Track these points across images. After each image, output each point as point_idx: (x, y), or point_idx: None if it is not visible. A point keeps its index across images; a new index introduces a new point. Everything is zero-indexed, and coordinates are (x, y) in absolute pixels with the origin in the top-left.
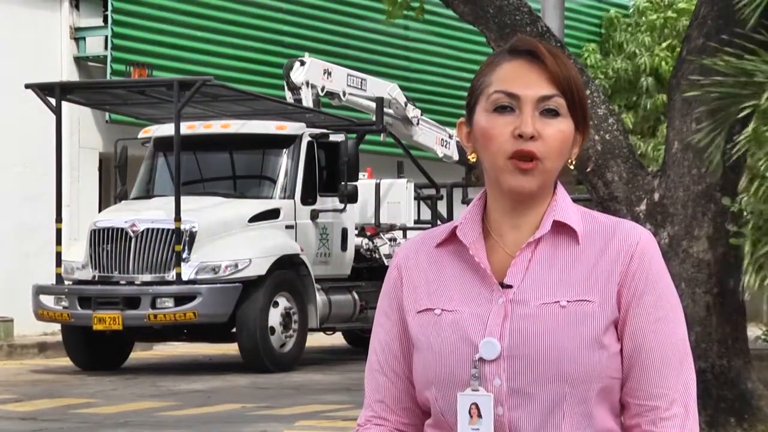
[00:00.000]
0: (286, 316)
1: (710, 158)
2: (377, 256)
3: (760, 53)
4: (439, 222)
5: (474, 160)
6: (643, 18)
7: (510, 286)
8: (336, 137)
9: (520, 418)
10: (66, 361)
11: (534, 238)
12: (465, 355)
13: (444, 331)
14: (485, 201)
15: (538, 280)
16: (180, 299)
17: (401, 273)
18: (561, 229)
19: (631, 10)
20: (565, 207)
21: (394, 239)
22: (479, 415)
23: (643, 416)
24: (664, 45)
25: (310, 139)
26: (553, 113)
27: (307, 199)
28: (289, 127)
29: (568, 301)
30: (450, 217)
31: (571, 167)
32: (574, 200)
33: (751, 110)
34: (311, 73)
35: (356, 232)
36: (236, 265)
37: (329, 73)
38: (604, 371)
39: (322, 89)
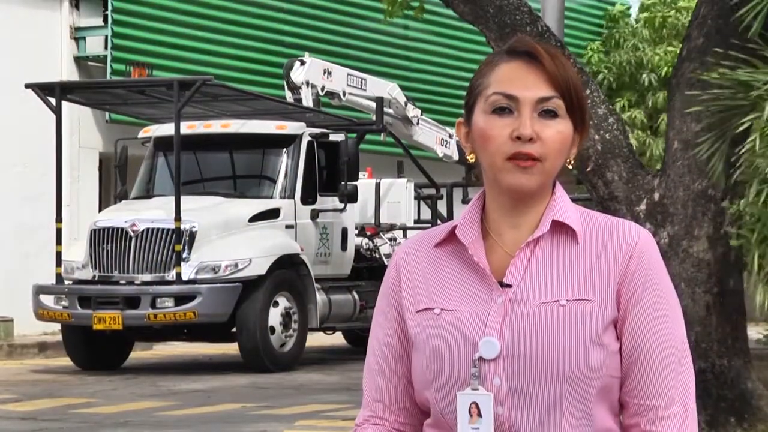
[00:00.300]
0: (286, 316)
1: (713, 169)
2: (377, 255)
3: (756, 64)
4: (439, 222)
5: (473, 160)
6: (643, 15)
7: (509, 286)
8: (336, 137)
9: (520, 417)
10: (66, 361)
11: (533, 237)
12: (465, 354)
13: (443, 330)
14: (484, 201)
15: (538, 279)
16: (180, 299)
17: (400, 273)
18: (560, 228)
19: (634, 8)
20: (564, 207)
21: (394, 239)
22: (479, 415)
23: (642, 415)
24: (669, 48)
25: (310, 138)
26: (552, 114)
27: (307, 198)
28: (289, 127)
29: (567, 300)
30: (450, 217)
31: (570, 167)
32: (574, 200)
33: (750, 123)
34: (311, 73)
35: (356, 231)
36: (236, 265)
37: (329, 73)
38: (604, 370)
39: (322, 89)
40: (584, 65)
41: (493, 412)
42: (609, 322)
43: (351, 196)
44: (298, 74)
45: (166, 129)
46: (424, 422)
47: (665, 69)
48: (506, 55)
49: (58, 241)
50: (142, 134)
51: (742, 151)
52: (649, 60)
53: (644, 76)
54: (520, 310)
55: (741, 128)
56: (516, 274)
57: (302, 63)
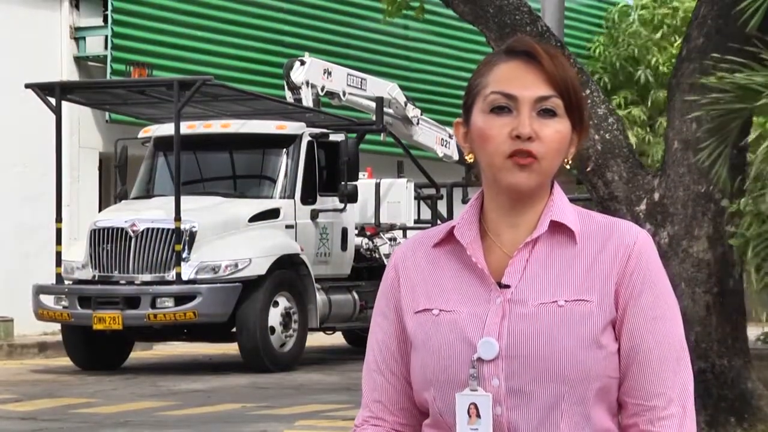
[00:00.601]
0: (286, 316)
1: (718, 174)
2: (377, 255)
3: (754, 67)
4: (439, 222)
5: (471, 160)
6: (639, 13)
7: (508, 286)
8: (336, 137)
9: (519, 417)
10: (66, 361)
11: (531, 237)
12: (463, 355)
13: (442, 331)
14: (482, 201)
15: (536, 279)
16: (180, 299)
17: (398, 273)
18: (558, 229)
19: (631, 6)
20: (562, 207)
21: (394, 239)
22: (478, 415)
23: (640, 416)
24: (660, 36)
25: (310, 138)
26: (551, 114)
27: (307, 198)
28: (289, 127)
29: (566, 301)
30: (450, 217)
31: (568, 167)
32: (574, 200)
33: (759, 129)
34: (311, 73)
35: (356, 231)
36: (236, 265)
37: (329, 73)
38: (602, 371)
39: (322, 89)
40: (587, 62)
41: (492, 413)
42: (607, 323)
43: (351, 196)
44: (298, 74)
45: (166, 129)
46: (423, 422)
47: (663, 67)
48: (505, 55)
49: (58, 241)
50: (142, 134)
51: (755, 159)
52: (642, 47)
53: (639, 72)
54: (518, 310)
55: (752, 137)
56: (514, 274)
57: (302, 63)
